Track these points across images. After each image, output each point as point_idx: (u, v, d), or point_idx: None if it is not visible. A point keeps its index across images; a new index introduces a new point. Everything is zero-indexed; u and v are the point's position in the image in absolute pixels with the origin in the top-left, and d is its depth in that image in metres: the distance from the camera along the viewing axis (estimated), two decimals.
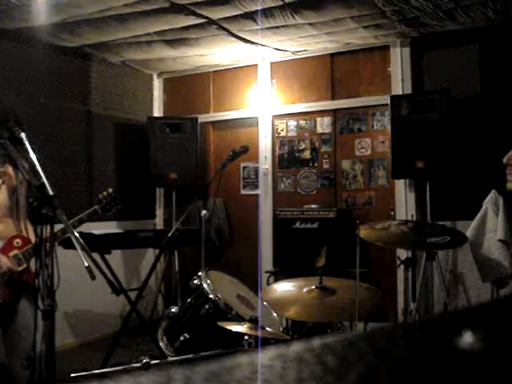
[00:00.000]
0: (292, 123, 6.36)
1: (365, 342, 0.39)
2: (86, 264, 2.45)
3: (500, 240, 4.40)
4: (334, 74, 6.12)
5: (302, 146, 6.28)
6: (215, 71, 6.82)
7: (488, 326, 0.41)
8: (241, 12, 4.76)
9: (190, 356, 2.67)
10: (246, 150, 4.27)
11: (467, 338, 0.39)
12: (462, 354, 0.38)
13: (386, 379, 0.35)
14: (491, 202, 4.56)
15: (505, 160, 2.02)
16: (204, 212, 4.10)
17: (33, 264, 2.86)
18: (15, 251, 3.01)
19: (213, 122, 6.90)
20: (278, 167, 6.42)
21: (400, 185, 5.61)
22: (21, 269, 2.99)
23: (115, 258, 5.13)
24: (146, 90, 7.08)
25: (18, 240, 3.04)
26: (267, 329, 2.75)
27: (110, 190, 3.71)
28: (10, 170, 3.06)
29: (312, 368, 0.36)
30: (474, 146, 5.18)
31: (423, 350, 0.39)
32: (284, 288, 3.21)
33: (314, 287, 3.01)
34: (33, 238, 2.96)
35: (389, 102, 5.30)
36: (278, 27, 5.13)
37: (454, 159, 4.94)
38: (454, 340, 0.38)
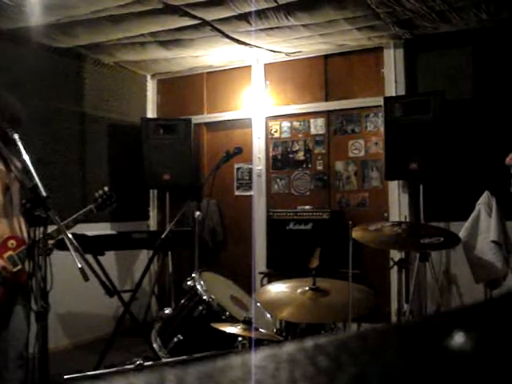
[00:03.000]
0: (286, 124, 6.36)
1: (357, 343, 0.39)
2: (80, 265, 2.44)
3: (493, 241, 4.42)
4: (327, 75, 6.13)
5: (296, 148, 6.29)
6: (209, 72, 6.81)
7: (480, 327, 0.41)
8: (235, 13, 4.76)
9: (184, 357, 2.67)
10: (240, 151, 4.27)
11: (459, 339, 0.39)
12: (455, 355, 0.38)
13: (378, 380, 0.35)
14: (484, 203, 4.58)
15: (508, 160, 2.02)
16: (198, 213, 4.09)
17: (27, 265, 2.86)
18: (10, 252, 3.00)
19: (206, 123, 6.90)
20: (271, 168, 6.42)
21: (393, 186, 5.62)
22: (15, 270, 2.99)
23: (108, 259, 5.12)
24: (140, 91, 7.07)
25: (12, 241, 3.03)
26: (261, 330, 2.75)
27: (106, 188, 3.69)
28: (2, 167, 3.05)
29: (304, 368, 0.36)
30: (467, 147, 5.20)
31: (416, 350, 0.39)
32: (278, 289, 3.22)
33: (307, 288, 3.01)
34: (27, 237, 2.95)
35: (382, 103, 5.31)
36: (271, 28, 5.14)
37: (448, 161, 4.95)
38: (446, 340, 0.39)
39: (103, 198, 3.63)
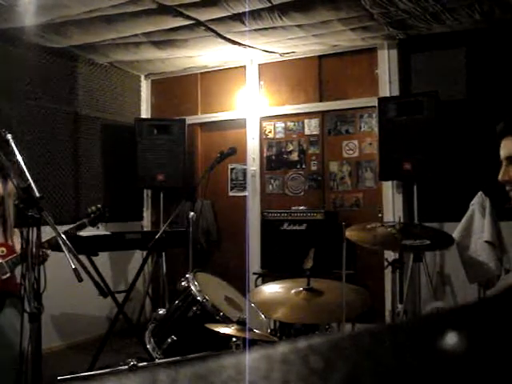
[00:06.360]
0: (280, 125, 6.36)
1: (350, 343, 0.39)
2: (73, 266, 2.43)
3: (486, 241, 4.42)
4: (321, 75, 6.13)
5: (290, 148, 6.29)
6: (203, 73, 6.81)
7: (474, 327, 0.41)
8: (229, 14, 4.76)
9: (178, 358, 2.66)
10: (234, 152, 4.26)
11: (453, 339, 0.39)
12: (447, 355, 0.38)
13: (371, 380, 0.35)
14: (478, 203, 4.58)
15: (500, 178, 2.03)
16: (192, 214, 4.09)
17: (18, 274, 2.84)
18: None
19: (200, 124, 6.90)
20: (265, 169, 6.43)
21: (387, 186, 5.63)
22: (4, 277, 2.97)
23: (102, 260, 5.11)
24: (134, 92, 7.06)
25: (2, 249, 3.03)
26: (255, 330, 2.74)
27: (99, 205, 3.79)
28: None
29: (297, 368, 0.36)
30: (461, 147, 5.21)
31: (409, 350, 0.39)
32: (272, 290, 3.21)
33: (301, 289, 3.01)
34: (18, 248, 2.94)
35: (376, 104, 5.32)
36: (265, 29, 5.14)
37: (441, 161, 4.96)
38: (439, 340, 0.39)
39: (96, 213, 3.72)
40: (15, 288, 2.85)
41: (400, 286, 4.57)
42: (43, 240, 2.70)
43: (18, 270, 2.83)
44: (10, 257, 3.01)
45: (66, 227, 3.54)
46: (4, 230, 3.09)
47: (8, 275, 2.99)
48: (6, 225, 3.10)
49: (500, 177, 2.05)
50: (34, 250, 2.50)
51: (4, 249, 3.03)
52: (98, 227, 3.92)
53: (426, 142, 4.98)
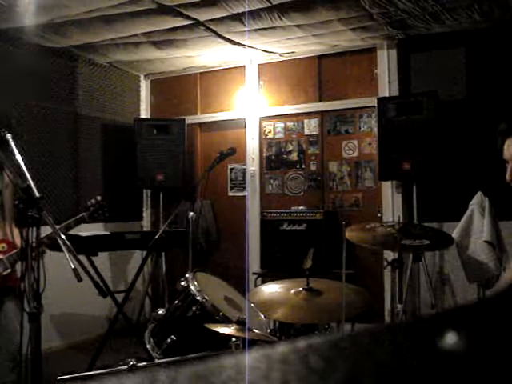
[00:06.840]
0: (279, 125, 6.36)
1: (349, 343, 0.39)
2: (73, 266, 2.43)
3: (486, 241, 4.43)
4: (321, 75, 6.13)
5: (290, 148, 6.29)
6: (202, 73, 6.81)
7: (474, 327, 0.41)
8: (228, 14, 4.76)
9: (178, 358, 2.66)
10: (234, 152, 4.26)
11: (452, 339, 0.39)
12: (448, 355, 0.38)
13: (371, 380, 0.35)
14: (477, 203, 4.58)
15: (508, 178, 2.05)
16: (191, 214, 4.09)
17: (18, 268, 2.85)
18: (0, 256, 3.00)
19: (200, 124, 6.89)
20: (265, 169, 6.42)
21: (387, 186, 5.63)
22: (5, 273, 2.98)
23: (102, 260, 5.11)
24: (133, 92, 7.06)
25: (3, 245, 3.03)
26: (254, 330, 2.74)
27: (99, 197, 3.73)
28: None
29: (297, 368, 0.36)
30: (460, 147, 5.21)
31: (408, 350, 0.39)
32: (271, 290, 3.21)
33: (301, 289, 3.01)
34: (18, 243, 2.95)
35: (376, 104, 5.32)
36: (265, 29, 5.14)
37: (441, 161, 4.96)
38: (439, 341, 0.39)
39: (95, 206, 3.67)
40: (16, 283, 2.85)
41: (399, 286, 4.57)
42: (43, 235, 2.70)
43: (18, 266, 2.84)
44: (10, 252, 3.01)
45: None
46: (3, 220, 3.09)
47: (9, 271, 2.99)
48: (5, 215, 3.10)
49: (508, 176, 2.06)
50: (33, 245, 2.50)
51: (4, 245, 3.03)
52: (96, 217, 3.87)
53: (425, 142, 4.98)
